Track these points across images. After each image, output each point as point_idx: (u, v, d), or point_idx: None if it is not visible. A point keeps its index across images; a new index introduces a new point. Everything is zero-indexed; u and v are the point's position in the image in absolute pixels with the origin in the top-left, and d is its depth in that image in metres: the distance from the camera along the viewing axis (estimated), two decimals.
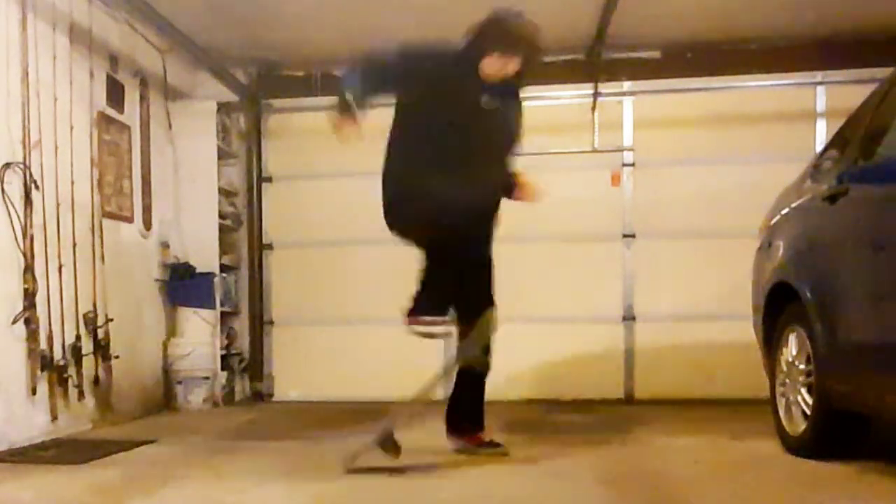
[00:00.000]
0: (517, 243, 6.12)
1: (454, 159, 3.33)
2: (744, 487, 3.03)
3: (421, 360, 6.18)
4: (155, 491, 3.06)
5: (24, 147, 4.14)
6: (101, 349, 4.73)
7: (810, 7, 5.27)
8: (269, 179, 6.40)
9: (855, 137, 3.49)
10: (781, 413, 3.71)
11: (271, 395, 6.34)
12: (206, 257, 5.94)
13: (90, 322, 4.65)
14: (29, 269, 4.12)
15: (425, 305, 3.52)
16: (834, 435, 3.32)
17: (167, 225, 5.81)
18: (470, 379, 3.72)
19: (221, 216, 6.10)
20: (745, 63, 5.83)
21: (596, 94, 5.89)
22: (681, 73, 5.92)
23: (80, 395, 4.53)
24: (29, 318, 4.10)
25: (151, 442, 4.18)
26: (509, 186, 3.69)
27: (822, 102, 5.86)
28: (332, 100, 3.36)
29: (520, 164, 3.82)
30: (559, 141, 6.00)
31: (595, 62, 5.86)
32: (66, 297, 4.41)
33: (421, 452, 3.55)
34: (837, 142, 3.79)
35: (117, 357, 4.86)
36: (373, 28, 5.54)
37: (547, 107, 6.11)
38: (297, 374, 6.35)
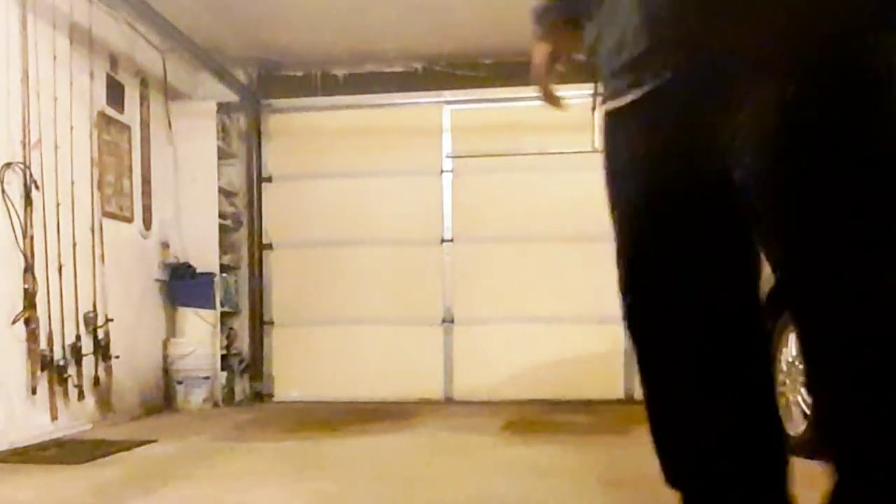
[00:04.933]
0: (517, 243, 6.15)
1: None
2: None
3: (421, 361, 6.23)
4: (155, 491, 3.06)
5: (24, 147, 4.14)
6: (101, 349, 4.73)
7: None
8: (269, 179, 6.40)
9: None
10: (781, 413, 3.71)
11: (271, 395, 6.34)
12: (206, 257, 5.94)
13: (90, 322, 4.65)
14: (29, 269, 4.12)
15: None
16: None
17: (167, 225, 5.81)
18: None
19: (221, 216, 6.10)
20: None
21: (596, 94, 5.87)
22: None
23: (80, 395, 4.53)
24: (29, 318, 4.11)
25: (151, 442, 4.18)
26: None
27: None
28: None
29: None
30: (559, 141, 6.00)
31: (595, 62, 5.86)
32: (66, 297, 4.41)
33: (421, 452, 3.55)
34: None
35: (117, 357, 4.86)
36: (373, 28, 5.55)
37: (547, 107, 6.12)
38: (297, 374, 6.35)
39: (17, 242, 4.07)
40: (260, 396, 6.30)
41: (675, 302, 1.38)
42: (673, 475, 1.56)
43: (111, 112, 5.10)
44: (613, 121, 1.52)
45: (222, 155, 6.18)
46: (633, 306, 1.46)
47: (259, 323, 6.37)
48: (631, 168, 1.45)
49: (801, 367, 3.51)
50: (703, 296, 1.36)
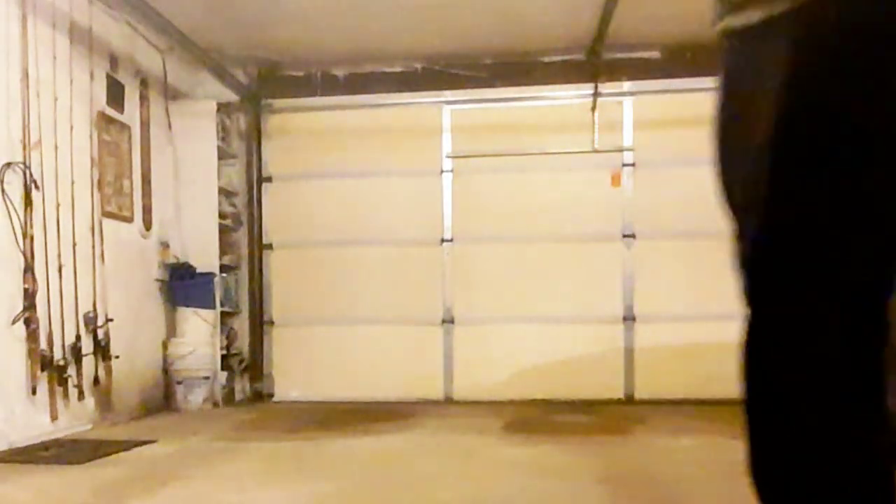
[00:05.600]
0: (517, 243, 6.15)
1: None
2: (744, 487, 3.03)
3: (421, 360, 6.23)
4: (155, 491, 3.06)
5: (24, 147, 4.15)
6: (101, 349, 4.73)
7: None
8: (269, 179, 6.40)
9: None
10: None
11: (271, 395, 6.34)
12: (206, 257, 5.94)
13: (90, 322, 4.65)
14: (29, 269, 4.12)
15: None
16: None
17: (167, 225, 5.81)
18: None
19: (221, 216, 6.10)
20: None
21: (596, 94, 5.89)
22: (681, 73, 5.91)
23: (80, 395, 4.53)
24: (29, 318, 4.11)
25: (151, 442, 4.18)
26: None
27: None
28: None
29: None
30: (559, 141, 6.00)
31: (595, 62, 5.87)
32: (66, 297, 4.41)
33: (421, 452, 3.55)
34: None
35: (117, 357, 4.86)
36: (373, 28, 5.56)
37: (547, 107, 6.12)
38: (297, 374, 6.35)
39: (17, 242, 4.07)
40: (260, 396, 6.31)
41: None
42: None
43: (111, 112, 5.10)
44: (736, 44, 1.12)
45: (222, 155, 6.18)
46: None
47: (259, 323, 6.37)
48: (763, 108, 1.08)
49: None
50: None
